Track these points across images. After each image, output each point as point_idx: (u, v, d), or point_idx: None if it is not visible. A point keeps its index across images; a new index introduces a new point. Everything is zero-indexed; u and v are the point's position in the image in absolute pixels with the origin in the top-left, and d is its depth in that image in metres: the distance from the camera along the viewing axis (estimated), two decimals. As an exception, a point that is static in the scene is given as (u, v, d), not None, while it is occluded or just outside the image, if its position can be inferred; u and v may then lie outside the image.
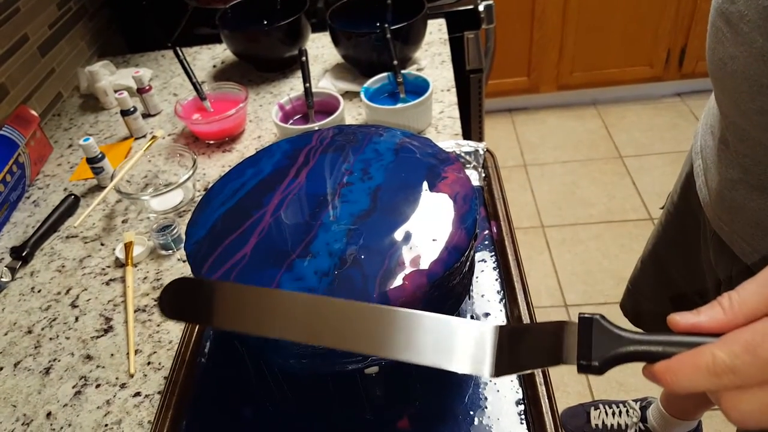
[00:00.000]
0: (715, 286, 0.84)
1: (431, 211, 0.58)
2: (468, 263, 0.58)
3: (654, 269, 1.05)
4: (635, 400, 1.51)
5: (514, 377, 0.62)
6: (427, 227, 0.56)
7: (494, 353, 0.39)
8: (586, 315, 0.38)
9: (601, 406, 1.52)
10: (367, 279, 0.52)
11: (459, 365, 0.40)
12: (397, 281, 0.51)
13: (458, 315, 0.68)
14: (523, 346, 0.40)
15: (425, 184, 0.61)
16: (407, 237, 0.55)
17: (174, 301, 0.46)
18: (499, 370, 0.39)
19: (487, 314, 0.69)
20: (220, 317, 0.46)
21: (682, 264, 0.95)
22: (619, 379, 1.70)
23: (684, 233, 0.91)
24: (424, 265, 0.52)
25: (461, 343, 0.40)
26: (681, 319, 0.37)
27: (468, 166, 0.90)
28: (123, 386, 0.73)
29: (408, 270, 0.52)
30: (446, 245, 0.54)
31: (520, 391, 0.61)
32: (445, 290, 0.55)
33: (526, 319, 0.66)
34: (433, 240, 0.54)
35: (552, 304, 1.94)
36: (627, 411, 1.49)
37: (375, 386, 0.64)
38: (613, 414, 1.50)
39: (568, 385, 1.70)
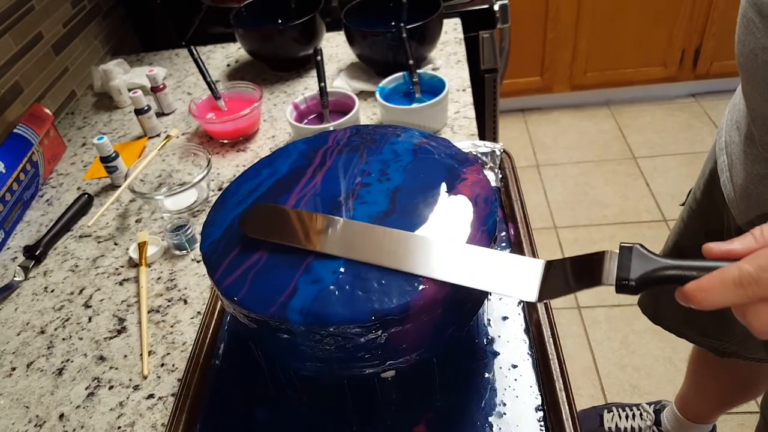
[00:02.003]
0: None
1: (451, 213, 0.57)
2: (488, 266, 0.57)
3: None
4: (649, 403, 1.49)
5: (533, 383, 0.61)
6: (447, 229, 0.55)
7: (541, 282, 0.46)
8: (626, 243, 0.43)
9: (614, 408, 1.51)
10: (386, 282, 0.51)
11: (508, 290, 0.47)
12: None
13: (476, 319, 0.67)
14: (566, 275, 0.46)
15: (444, 186, 0.60)
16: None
17: (253, 222, 0.57)
18: (543, 295, 0.45)
19: (505, 317, 0.68)
20: (290, 236, 0.55)
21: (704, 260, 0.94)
22: (632, 382, 1.68)
23: (707, 230, 0.90)
24: (444, 268, 0.51)
25: (513, 273, 0.47)
26: (715, 246, 0.40)
27: (485, 167, 0.89)
28: (136, 388, 0.72)
29: (428, 273, 0.51)
30: (466, 248, 0.53)
31: (540, 397, 0.60)
32: (465, 293, 0.54)
33: (545, 323, 0.64)
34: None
35: (565, 305, 1.93)
36: (641, 414, 1.48)
37: (392, 390, 0.63)
38: (627, 417, 1.48)
39: (581, 388, 1.69)
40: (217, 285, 0.54)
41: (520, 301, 0.70)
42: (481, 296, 0.59)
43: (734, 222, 0.77)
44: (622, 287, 0.41)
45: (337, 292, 0.50)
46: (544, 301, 0.49)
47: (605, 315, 1.88)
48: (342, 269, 0.52)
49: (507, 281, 0.47)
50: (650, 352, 1.75)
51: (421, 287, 0.50)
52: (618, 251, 0.43)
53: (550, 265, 0.47)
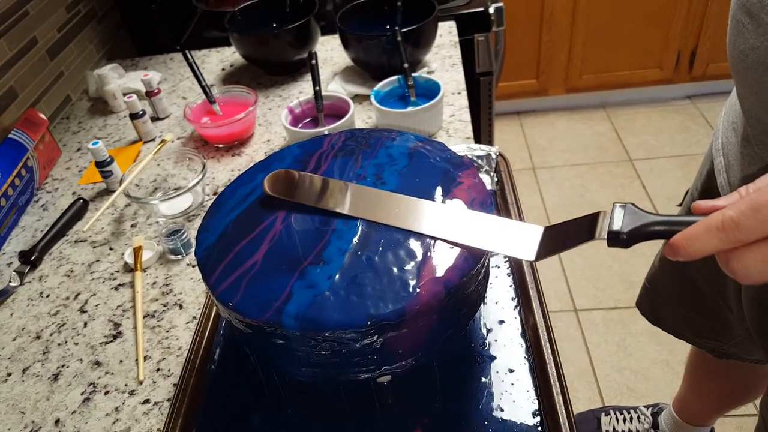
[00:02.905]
0: (736, 283, 0.83)
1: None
2: (483, 270, 0.57)
3: (673, 266, 1.03)
4: (646, 406, 1.49)
5: (530, 387, 0.61)
6: (442, 234, 0.55)
7: (540, 244, 0.49)
8: (620, 203, 0.45)
9: (611, 412, 1.51)
10: (381, 287, 0.51)
11: (508, 250, 0.51)
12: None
13: (473, 322, 0.67)
14: (562, 235, 0.49)
15: (440, 190, 0.59)
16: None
17: (274, 184, 0.61)
18: (540, 255, 0.49)
19: (501, 321, 0.68)
20: (308, 197, 0.60)
21: (703, 262, 0.94)
22: (630, 385, 1.68)
23: None
24: (440, 272, 0.51)
25: (514, 236, 0.51)
26: (702, 203, 0.42)
27: (480, 170, 0.89)
28: (132, 393, 0.72)
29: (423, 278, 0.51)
30: (462, 252, 0.53)
31: (537, 401, 0.60)
32: (461, 298, 0.54)
33: (541, 327, 0.64)
34: (452, 248, 0.53)
35: (561, 308, 1.93)
36: (638, 417, 1.47)
37: (388, 395, 0.63)
38: (624, 420, 1.48)
39: (578, 391, 1.69)
40: (211, 290, 0.54)
41: (517, 306, 0.70)
42: (477, 300, 0.59)
43: None
44: (613, 239, 0.43)
45: (332, 298, 0.50)
46: (541, 260, 0.51)
47: (602, 318, 1.88)
48: (337, 275, 0.52)
49: (508, 242, 0.51)
50: (647, 354, 1.75)
51: (416, 292, 0.50)
52: (611, 209, 0.45)
53: (548, 230, 0.50)
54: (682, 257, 0.40)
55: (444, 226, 0.54)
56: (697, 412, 1.34)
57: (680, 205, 1.01)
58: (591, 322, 1.87)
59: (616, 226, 0.43)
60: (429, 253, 0.53)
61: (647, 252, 2.06)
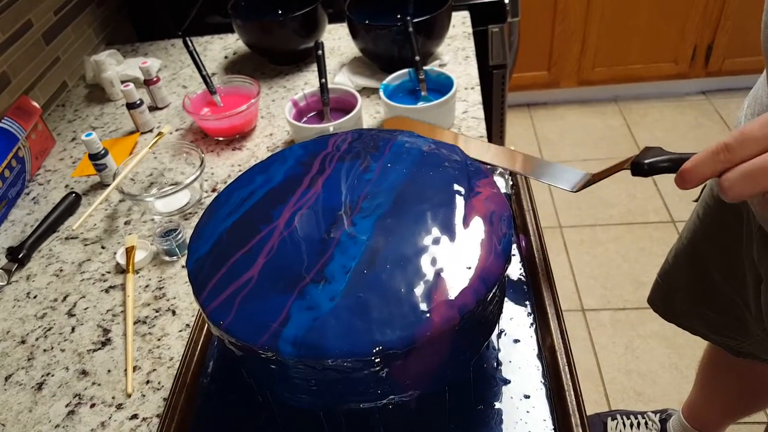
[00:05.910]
0: (756, 283, 0.80)
1: (462, 231, 0.52)
2: (500, 291, 0.52)
3: (689, 263, 0.99)
4: (654, 412, 1.45)
5: (547, 416, 0.56)
6: (458, 251, 0.50)
7: (582, 182, 0.62)
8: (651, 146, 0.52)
9: (618, 416, 1.47)
10: (389, 310, 0.46)
11: (552, 180, 0.64)
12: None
13: (488, 345, 0.62)
14: (598, 175, 0.59)
15: (458, 200, 0.54)
16: (434, 261, 0.49)
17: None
18: (579, 189, 0.62)
19: (516, 341, 0.63)
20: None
21: (721, 259, 0.91)
22: (637, 389, 1.64)
23: (724, 227, 0.87)
24: (453, 295, 0.46)
25: (563, 175, 0.64)
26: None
27: (494, 171, 0.84)
28: (119, 407, 0.67)
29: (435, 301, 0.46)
30: (478, 272, 0.48)
31: (551, 423, 0.55)
32: (476, 323, 0.49)
33: (559, 349, 0.60)
34: (468, 268, 0.48)
35: (569, 307, 1.88)
36: (646, 423, 1.44)
37: (392, 420, 0.58)
38: (632, 425, 1.44)
39: (584, 393, 1.64)
40: (202, 307, 0.50)
41: (533, 323, 0.65)
42: (493, 321, 0.54)
43: (754, 220, 0.75)
44: (635, 166, 0.51)
45: (334, 322, 0.46)
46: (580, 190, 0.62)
47: (610, 318, 1.83)
48: (340, 296, 0.47)
49: (552, 175, 0.65)
50: (656, 358, 1.70)
51: (427, 317, 0.45)
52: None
53: (589, 174, 0.61)
54: (688, 182, 0.45)
55: (496, 158, 0.69)
56: (708, 418, 1.30)
57: (696, 200, 0.97)
58: (599, 323, 1.83)
59: (641, 159, 0.50)
60: (441, 274, 0.48)
61: (657, 252, 2.02)
